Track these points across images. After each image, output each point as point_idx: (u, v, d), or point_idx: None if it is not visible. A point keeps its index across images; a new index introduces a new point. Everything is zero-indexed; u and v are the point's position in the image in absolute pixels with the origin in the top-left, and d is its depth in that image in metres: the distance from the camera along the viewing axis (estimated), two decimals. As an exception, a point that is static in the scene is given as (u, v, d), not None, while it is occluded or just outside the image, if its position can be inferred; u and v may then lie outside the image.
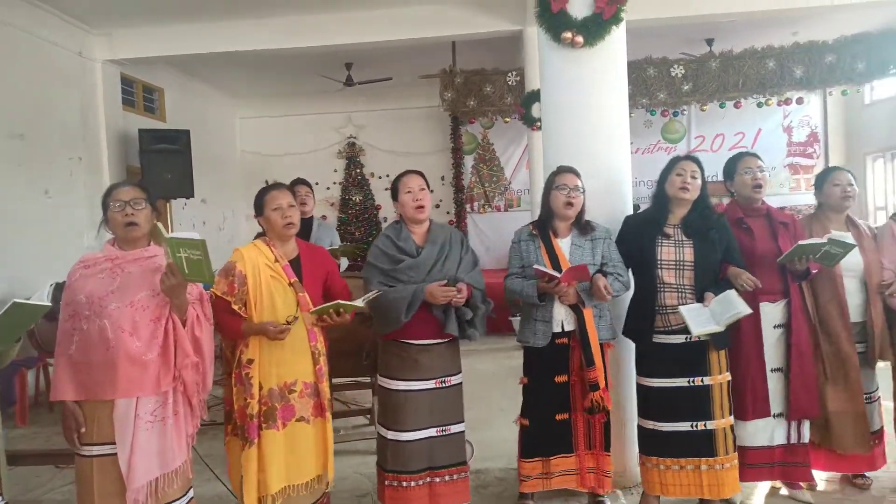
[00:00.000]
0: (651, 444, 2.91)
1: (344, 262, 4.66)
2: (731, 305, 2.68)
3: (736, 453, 2.88)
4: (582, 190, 2.90)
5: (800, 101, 7.78)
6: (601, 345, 2.85)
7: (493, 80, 7.42)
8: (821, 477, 3.22)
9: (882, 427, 3.16)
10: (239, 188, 9.64)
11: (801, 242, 2.80)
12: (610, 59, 3.31)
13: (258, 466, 2.50)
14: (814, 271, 2.92)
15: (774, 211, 3.08)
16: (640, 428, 2.97)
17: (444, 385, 2.82)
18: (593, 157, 3.26)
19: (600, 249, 2.90)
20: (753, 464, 3.01)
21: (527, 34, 6.37)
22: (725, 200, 3.45)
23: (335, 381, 4.01)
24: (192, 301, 2.32)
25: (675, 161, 2.93)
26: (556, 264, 2.82)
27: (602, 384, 2.78)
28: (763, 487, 3.19)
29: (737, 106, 7.67)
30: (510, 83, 7.35)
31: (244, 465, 2.50)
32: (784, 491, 3.14)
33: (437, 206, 9.88)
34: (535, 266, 2.77)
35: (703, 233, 2.83)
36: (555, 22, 3.21)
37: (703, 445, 2.83)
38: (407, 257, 2.77)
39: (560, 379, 2.88)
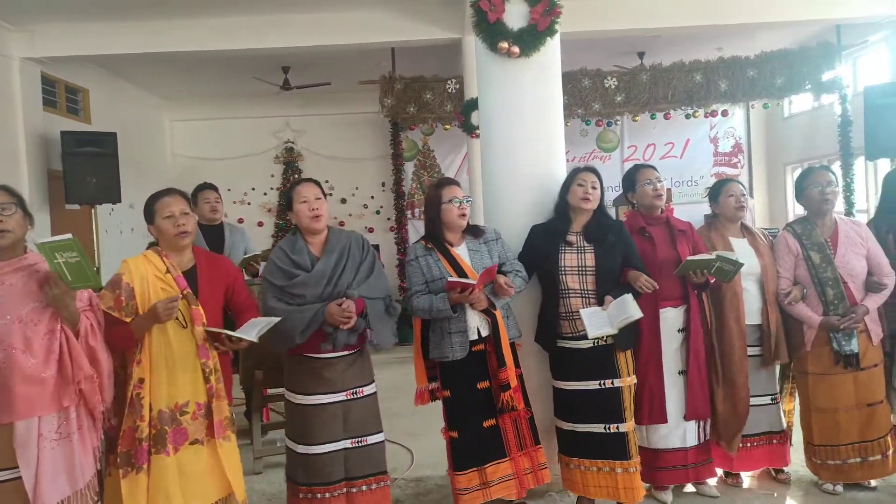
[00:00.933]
0: (570, 445, 2.97)
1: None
2: (625, 309, 2.77)
3: (639, 457, 2.95)
4: (469, 199, 2.95)
5: (725, 113, 8.17)
6: (511, 344, 2.89)
7: (432, 87, 7.46)
8: (745, 474, 3.38)
9: (787, 427, 3.33)
10: (171, 193, 9.30)
11: (689, 258, 2.93)
12: (545, 70, 3.40)
13: (147, 496, 2.31)
14: (711, 281, 3.05)
15: (673, 219, 3.22)
16: (558, 429, 3.03)
17: (356, 396, 2.75)
18: (531, 164, 3.33)
19: (496, 250, 2.96)
20: (670, 466, 3.09)
21: (466, 43, 6.45)
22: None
23: (271, 391, 3.93)
24: (84, 309, 2.20)
25: (575, 172, 3.02)
26: (460, 273, 2.83)
27: (514, 384, 2.82)
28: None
29: (666, 117, 7.97)
30: (450, 90, 7.40)
31: (128, 494, 2.29)
32: (690, 487, 3.25)
33: (378, 213, 9.84)
34: (450, 279, 2.76)
35: (603, 239, 2.93)
36: (491, 32, 3.27)
37: (616, 448, 2.89)
38: (301, 272, 2.67)
39: (482, 385, 2.89)
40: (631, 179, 3.24)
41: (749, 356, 3.18)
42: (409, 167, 9.41)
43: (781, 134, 9.81)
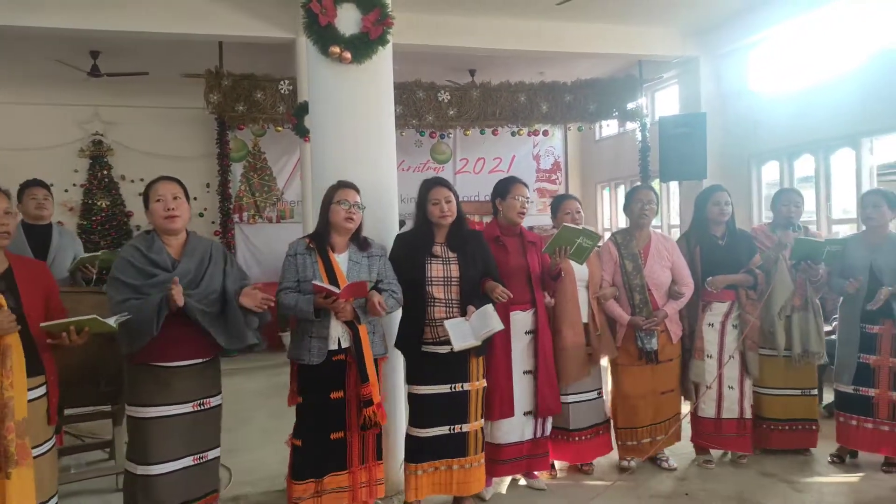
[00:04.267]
0: (413, 452, 3.02)
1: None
2: (487, 321, 2.90)
3: (483, 452, 3.12)
4: (362, 206, 2.93)
5: (546, 133, 8.80)
6: (375, 360, 2.88)
7: (264, 86, 7.17)
8: (557, 466, 3.65)
9: (609, 418, 3.66)
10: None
11: (564, 224, 3.16)
12: (377, 78, 3.40)
13: None
14: (562, 275, 3.29)
15: (526, 232, 3.42)
16: (408, 436, 3.06)
17: (202, 408, 2.62)
18: (360, 171, 3.29)
19: (377, 266, 2.93)
20: (507, 459, 3.27)
21: (299, 44, 6.28)
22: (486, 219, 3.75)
23: (67, 412, 3.50)
24: None
25: (427, 188, 3.06)
26: (333, 279, 2.78)
27: (377, 399, 2.80)
28: (506, 479, 3.50)
29: (495, 133, 8.41)
30: (283, 91, 7.17)
31: None
32: (523, 481, 3.48)
33: (202, 215, 9.21)
34: (315, 282, 2.72)
35: (464, 249, 3.04)
36: (323, 35, 3.22)
37: (456, 447, 3.03)
38: (161, 271, 2.51)
39: (336, 395, 2.84)
40: (503, 189, 3.35)
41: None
42: (238, 168, 8.94)
43: (593, 155, 10.82)
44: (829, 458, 3.67)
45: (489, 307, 2.93)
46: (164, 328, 2.41)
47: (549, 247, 3.12)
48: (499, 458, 3.24)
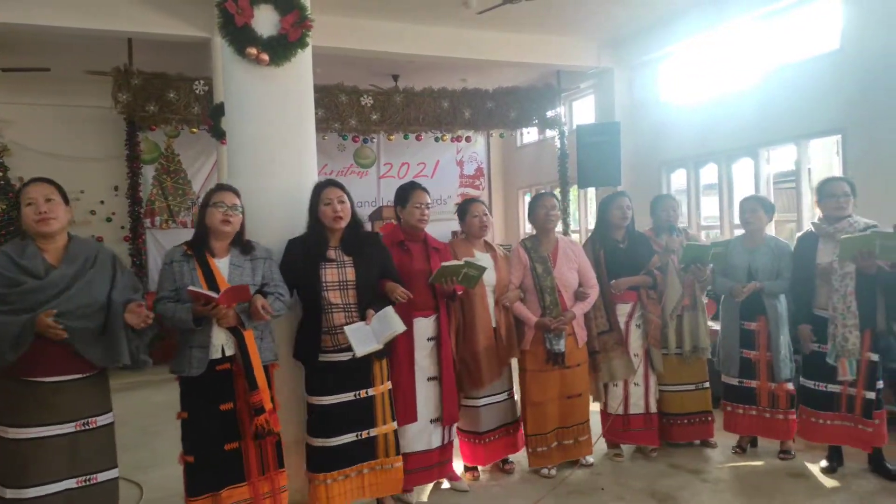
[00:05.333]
0: (320, 461, 2.94)
1: None
2: (388, 323, 2.87)
3: (400, 455, 3.09)
4: (241, 209, 2.83)
5: (468, 139, 8.93)
6: (266, 366, 2.79)
7: (177, 86, 6.89)
8: (481, 468, 3.69)
9: (519, 416, 3.73)
10: None
11: (444, 264, 3.16)
12: (297, 81, 3.34)
13: None
14: (459, 293, 3.32)
15: (430, 238, 3.44)
16: (308, 447, 2.98)
17: (87, 427, 2.42)
18: (279, 175, 3.24)
19: (261, 269, 2.83)
20: (416, 468, 3.26)
21: (215, 43, 6.09)
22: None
23: None
24: None
25: (319, 190, 3.00)
26: (213, 285, 2.67)
27: (268, 406, 2.72)
28: (428, 485, 3.50)
29: (418, 138, 8.45)
30: (197, 92, 6.91)
31: None
32: (446, 484, 3.50)
33: (110, 220, 8.74)
34: (189, 288, 2.58)
35: (360, 251, 2.99)
36: (239, 36, 3.12)
37: (366, 452, 2.98)
38: (30, 278, 2.32)
39: (226, 407, 2.72)
40: (403, 197, 3.34)
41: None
42: (149, 171, 8.55)
43: (515, 161, 11.06)
44: (732, 449, 3.90)
45: (389, 309, 2.90)
46: (38, 338, 2.26)
47: (433, 279, 3.15)
48: (407, 468, 3.19)
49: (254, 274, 2.79)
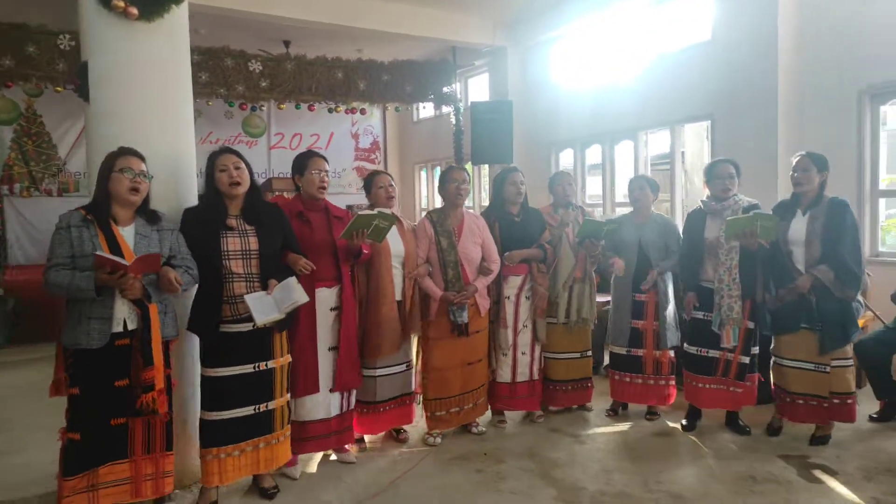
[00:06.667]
0: (213, 436, 2.87)
1: None
2: (290, 293, 2.83)
3: (289, 426, 3.08)
4: (149, 176, 2.69)
5: (363, 111, 8.74)
6: (166, 342, 2.68)
7: (38, 39, 6.21)
8: (368, 439, 3.72)
9: (415, 390, 3.78)
10: None
11: (358, 213, 3.16)
12: (171, 40, 3.14)
13: None
14: (365, 252, 3.31)
15: (332, 207, 3.39)
16: (203, 422, 2.90)
17: None
18: (152, 141, 3.03)
19: (168, 241, 2.71)
20: (314, 436, 3.26)
21: (83, -6, 5.55)
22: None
23: None
24: None
25: (214, 157, 2.93)
26: (118, 255, 2.51)
27: (159, 385, 2.60)
28: (317, 456, 3.49)
29: (311, 108, 8.18)
30: (62, 47, 6.28)
31: None
32: (334, 456, 3.50)
33: (-40, 186, 7.84)
34: (98, 253, 2.42)
35: (262, 220, 2.93)
36: (104, -15, 2.87)
37: (263, 425, 2.95)
38: None
39: (121, 383, 2.59)
40: (301, 165, 3.28)
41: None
42: (6, 133, 7.73)
43: (412, 136, 11.02)
44: (606, 412, 4.17)
45: (292, 279, 2.87)
46: None
47: (345, 233, 3.13)
48: (305, 436, 3.21)
49: (161, 245, 2.66)
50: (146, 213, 2.71)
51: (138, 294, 2.55)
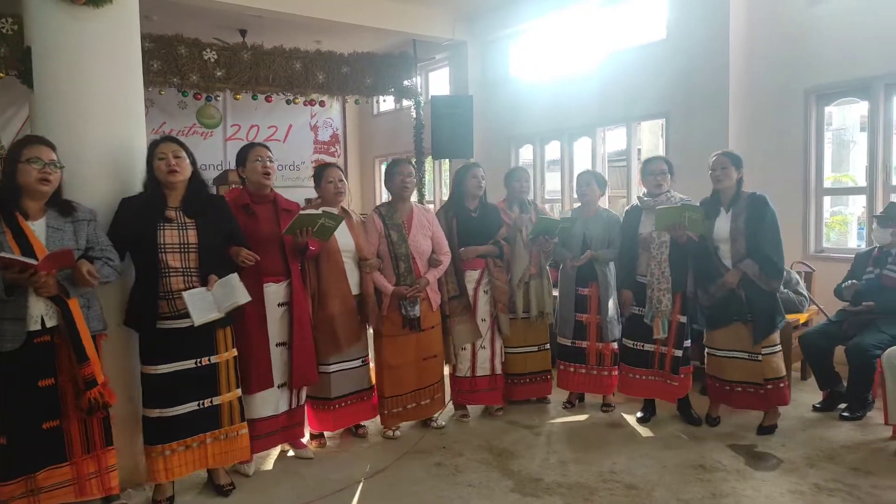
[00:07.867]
0: (156, 433, 2.80)
1: None
2: (232, 292, 2.76)
3: (245, 422, 3.03)
4: (59, 165, 2.57)
5: (322, 104, 8.65)
6: (94, 337, 2.59)
7: (-22, 22, 5.96)
8: (329, 435, 3.69)
9: (373, 385, 3.77)
10: None
11: (300, 212, 3.13)
12: (120, 25, 3.05)
13: None
14: (312, 248, 3.27)
15: (281, 199, 3.33)
16: (145, 419, 2.83)
17: None
18: (98, 131, 2.95)
19: (84, 232, 2.60)
20: (263, 434, 3.22)
21: (27, -24, 5.32)
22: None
23: None
24: None
25: (154, 145, 2.85)
26: (27, 251, 2.41)
27: (101, 379, 2.53)
28: (274, 452, 3.45)
29: (268, 100, 8.02)
30: (4, 31, 6.02)
31: None
32: (291, 452, 3.46)
33: None
34: (1, 255, 2.31)
35: (203, 213, 2.85)
36: (47, -34, 2.76)
37: (209, 421, 2.89)
38: None
39: (45, 383, 2.50)
40: (243, 156, 3.23)
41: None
42: (-55, 120, 7.37)
43: (371, 129, 10.94)
44: (563, 405, 4.23)
45: (234, 277, 2.80)
46: None
47: (288, 230, 3.09)
48: (254, 434, 3.15)
49: (76, 237, 2.54)
50: (58, 204, 2.59)
51: (53, 291, 2.44)
